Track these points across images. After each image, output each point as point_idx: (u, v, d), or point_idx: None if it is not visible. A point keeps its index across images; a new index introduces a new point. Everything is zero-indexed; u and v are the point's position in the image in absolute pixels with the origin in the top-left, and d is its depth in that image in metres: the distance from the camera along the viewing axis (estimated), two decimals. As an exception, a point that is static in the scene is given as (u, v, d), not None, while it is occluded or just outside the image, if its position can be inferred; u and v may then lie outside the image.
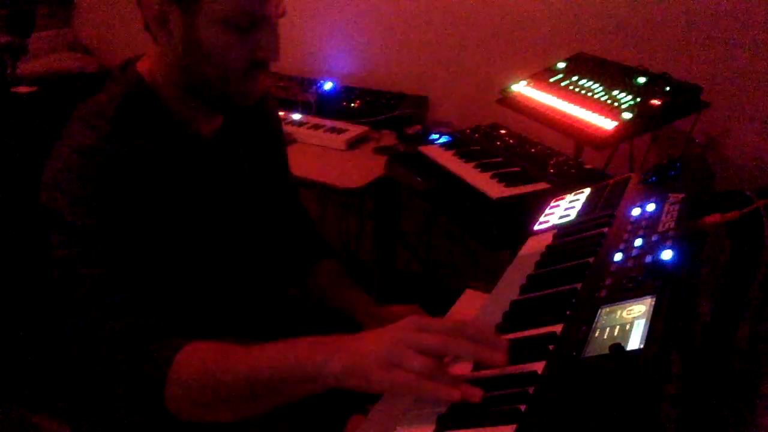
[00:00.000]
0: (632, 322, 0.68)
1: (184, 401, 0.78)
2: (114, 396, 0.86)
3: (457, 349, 0.64)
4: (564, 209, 1.18)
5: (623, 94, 1.57)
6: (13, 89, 2.27)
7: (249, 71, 0.93)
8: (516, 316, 0.86)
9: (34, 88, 2.46)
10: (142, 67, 0.98)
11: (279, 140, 1.27)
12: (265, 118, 1.19)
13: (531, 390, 0.65)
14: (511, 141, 1.76)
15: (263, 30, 0.91)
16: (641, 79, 1.59)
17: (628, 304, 0.72)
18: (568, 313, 0.78)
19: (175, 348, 0.79)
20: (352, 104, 2.32)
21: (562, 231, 1.09)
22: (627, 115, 1.49)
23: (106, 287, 0.83)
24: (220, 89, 0.94)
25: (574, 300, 0.80)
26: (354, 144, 2.12)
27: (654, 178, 1.09)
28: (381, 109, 2.25)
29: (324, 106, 2.33)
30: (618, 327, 0.69)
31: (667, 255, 0.77)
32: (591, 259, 0.90)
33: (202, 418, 0.79)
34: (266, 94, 1.20)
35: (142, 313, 0.83)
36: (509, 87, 1.84)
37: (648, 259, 0.80)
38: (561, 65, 1.83)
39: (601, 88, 1.64)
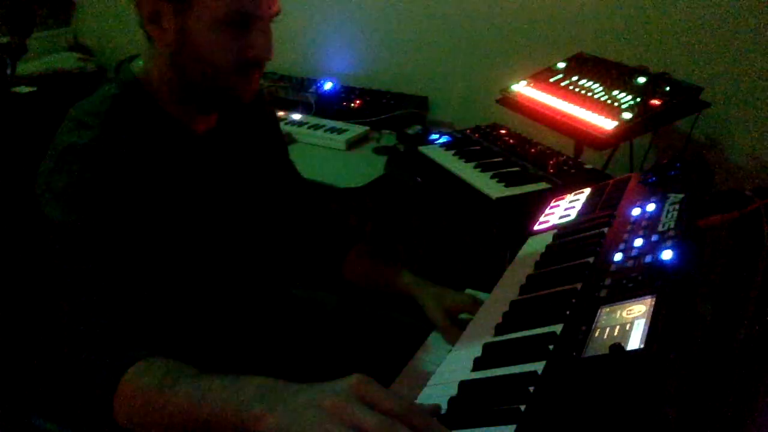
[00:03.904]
0: (632, 322, 0.68)
1: (132, 418, 0.76)
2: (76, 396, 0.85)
3: None
4: (564, 209, 1.18)
5: (623, 94, 1.57)
6: (13, 89, 2.27)
7: (241, 70, 0.93)
8: (516, 316, 0.86)
9: (34, 88, 2.46)
10: (138, 66, 0.98)
11: (279, 140, 1.27)
12: (262, 118, 1.19)
13: (531, 390, 0.65)
14: (511, 141, 1.76)
15: (256, 29, 0.91)
16: (641, 79, 1.59)
17: (628, 304, 0.72)
18: (568, 313, 0.78)
19: (128, 363, 0.77)
20: (352, 104, 2.32)
21: (562, 231, 1.09)
22: (627, 115, 1.49)
23: (86, 286, 0.83)
24: (212, 88, 0.94)
25: (574, 300, 0.80)
26: (354, 144, 2.12)
27: (654, 178, 1.09)
28: (381, 109, 2.25)
29: (324, 106, 2.33)
30: (618, 327, 0.69)
31: (667, 255, 0.77)
32: (591, 259, 0.90)
33: None
34: (263, 94, 1.19)
35: (114, 316, 0.82)
36: (509, 87, 1.84)
37: (648, 259, 0.80)
38: (561, 65, 1.83)
39: (601, 88, 1.64)
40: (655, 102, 1.51)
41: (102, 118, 0.91)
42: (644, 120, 1.49)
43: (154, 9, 0.89)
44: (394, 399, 0.60)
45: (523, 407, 0.63)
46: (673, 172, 1.07)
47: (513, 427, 0.61)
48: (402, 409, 0.58)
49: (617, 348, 0.62)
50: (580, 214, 1.12)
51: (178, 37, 0.89)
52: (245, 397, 0.64)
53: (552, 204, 1.26)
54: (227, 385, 0.67)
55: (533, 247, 1.09)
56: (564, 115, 1.63)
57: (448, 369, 0.82)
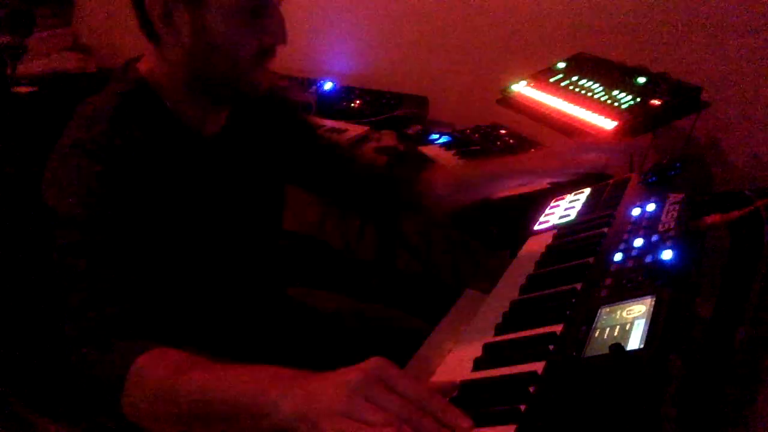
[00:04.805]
0: (632, 322, 0.68)
1: (141, 408, 0.75)
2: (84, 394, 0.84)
3: (418, 424, 0.57)
4: (564, 209, 1.18)
5: (623, 94, 1.57)
6: (13, 89, 2.27)
7: (258, 59, 0.94)
8: (516, 316, 0.86)
9: (34, 88, 2.45)
10: (143, 67, 0.98)
11: (301, 125, 1.27)
12: (273, 113, 1.17)
13: (531, 390, 0.65)
14: (511, 141, 1.76)
15: (268, 15, 0.93)
16: (641, 79, 1.59)
17: (628, 304, 0.72)
18: (568, 313, 0.78)
19: (139, 351, 0.76)
20: (352, 104, 2.31)
21: (562, 231, 1.09)
22: (627, 116, 1.49)
23: (91, 279, 0.82)
24: (231, 81, 0.95)
25: (574, 300, 0.81)
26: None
27: (654, 178, 1.09)
28: (381, 109, 2.25)
29: (324, 106, 2.33)
30: (618, 327, 0.69)
31: (667, 255, 0.77)
32: (591, 259, 0.90)
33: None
34: (273, 90, 1.19)
35: (120, 308, 0.81)
36: (509, 87, 1.84)
37: (648, 259, 0.80)
38: (561, 65, 1.82)
39: (601, 88, 1.64)
40: (655, 102, 1.51)
41: (110, 115, 0.91)
42: (644, 120, 1.49)
43: (165, 10, 0.89)
44: (414, 382, 0.60)
45: (523, 407, 0.63)
46: (673, 172, 1.07)
47: (513, 427, 0.61)
48: (422, 393, 0.59)
49: (617, 348, 0.62)
50: (580, 214, 1.12)
51: (194, 33, 0.90)
52: (261, 383, 0.64)
53: (552, 204, 1.26)
54: (242, 373, 0.67)
55: (533, 247, 1.09)
56: (564, 115, 1.63)
57: (448, 369, 0.82)
